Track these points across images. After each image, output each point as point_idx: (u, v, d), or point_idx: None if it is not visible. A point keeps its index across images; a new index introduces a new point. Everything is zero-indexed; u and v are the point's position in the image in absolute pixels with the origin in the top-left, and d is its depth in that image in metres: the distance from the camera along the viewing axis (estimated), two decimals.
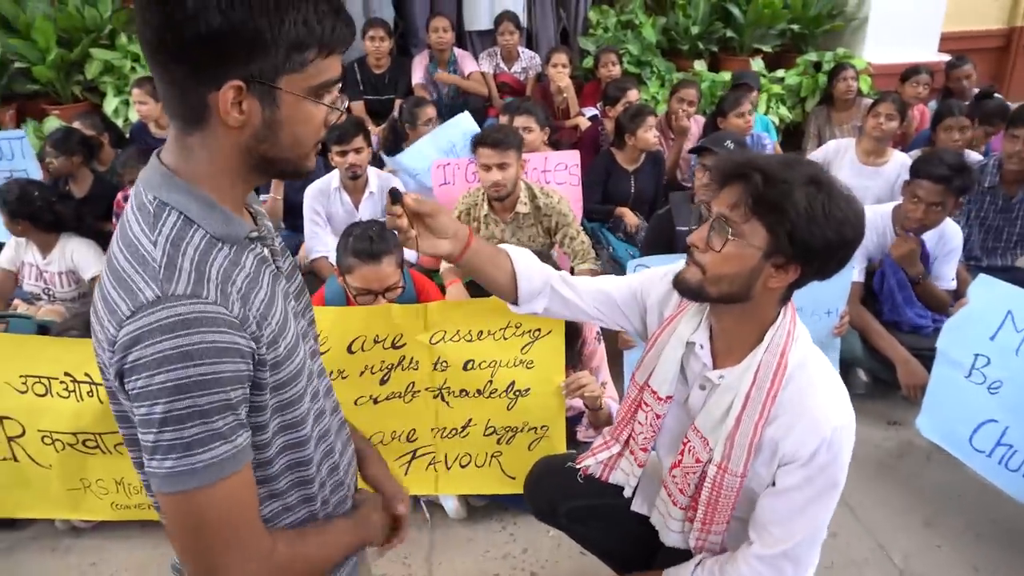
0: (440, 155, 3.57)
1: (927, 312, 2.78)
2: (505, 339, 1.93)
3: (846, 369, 2.84)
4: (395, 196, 1.23)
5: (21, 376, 1.94)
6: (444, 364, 1.93)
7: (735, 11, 4.99)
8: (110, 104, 4.30)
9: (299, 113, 0.89)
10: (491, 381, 1.95)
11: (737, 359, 1.29)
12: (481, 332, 1.91)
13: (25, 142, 3.13)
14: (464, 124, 3.89)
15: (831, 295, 2.59)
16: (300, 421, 1.01)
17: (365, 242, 2.06)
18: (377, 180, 3.34)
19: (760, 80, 4.60)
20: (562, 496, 1.70)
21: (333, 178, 3.28)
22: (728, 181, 1.21)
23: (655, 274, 1.51)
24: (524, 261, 1.45)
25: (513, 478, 2.07)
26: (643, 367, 1.44)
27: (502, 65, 4.84)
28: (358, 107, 4.54)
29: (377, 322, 1.87)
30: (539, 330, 1.92)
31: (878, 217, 2.80)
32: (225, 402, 0.85)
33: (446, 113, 4.39)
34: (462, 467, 2.06)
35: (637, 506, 1.60)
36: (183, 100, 0.86)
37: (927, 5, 5.01)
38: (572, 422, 2.23)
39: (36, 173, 3.11)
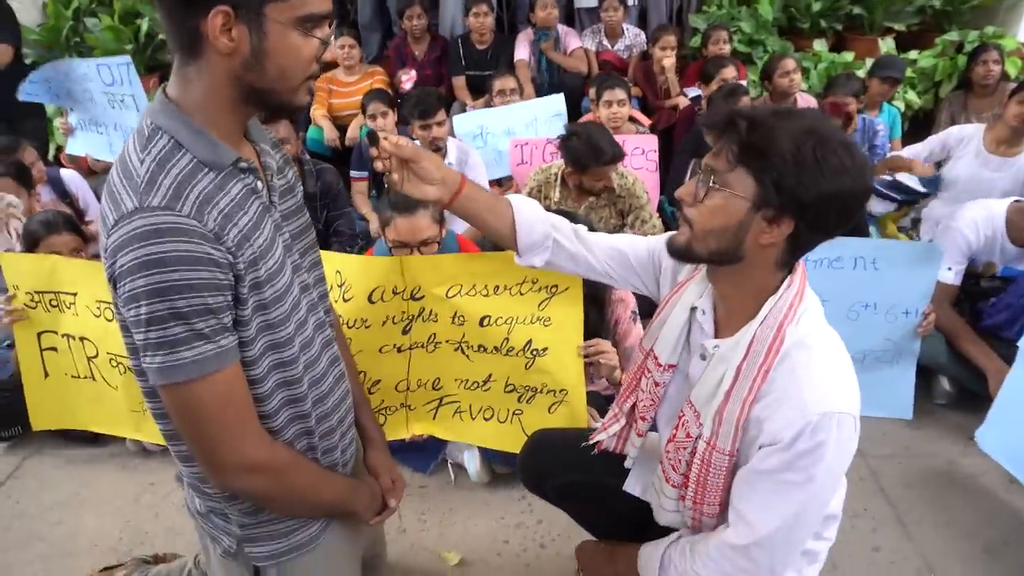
0: (520, 128, 3.58)
1: None
2: (521, 295, 1.91)
3: (928, 376, 2.58)
4: (372, 138, 1.24)
5: (97, 301, 2.17)
6: (461, 318, 1.95)
7: None
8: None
9: (285, 43, 0.96)
10: (508, 339, 1.94)
11: (735, 329, 1.21)
12: (497, 287, 1.91)
13: (131, 68, 3.29)
14: (554, 105, 3.87)
15: (909, 294, 2.36)
16: (287, 342, 1.09)
17: (401, 195, 2.12)
18: (456, 151, 3.40)
19: (902, 69, 4.12)
20: (552, 471, 1.68)
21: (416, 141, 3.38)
22: (717, 133, 1.13)
23: None
24: (526, 211, 1.42)
25: None
26: (650, 332, 1.38)
27: (605, 42, 4.75)
28: (459, 82, 4.62)
29: (394, 272, 1.92)
30: (556, 286, 1.89)
31: (989, 215, 2.49)
32: (204, 306, 0.94)
33: (546, 90, 4.40)
34: (486, 420, 2.08)
35: (630, 486, 1.55)
36: (179, 30, 0.96)
37: None
38: (609, 400, 2.19)
39: (142, 98, 3.30)
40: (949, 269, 2.48)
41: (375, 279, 1.93)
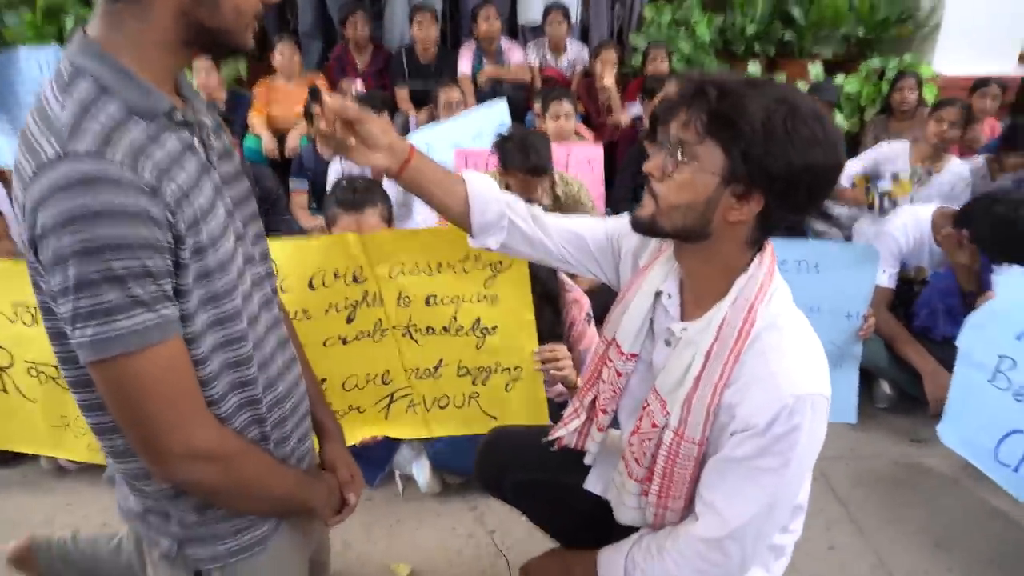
0: (466, 140, 3.54)
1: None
2: (465, 272, 1.84)
3: (869, 381, 2.65)
4: (314, 95, 1.15)
5: (13, 304, 1.99)
6: (407, 299, 1.87)
7: (796, 12, 4.79)
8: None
9: None
10: (455, 318, 1.87)
11: (704, 311, 1.16)
12: (440, 264, 1.83)
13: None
14: (498, 114, 3.85)
15: (851, 296, 2.41)
16: (233, 316, 0.97)
17: (348, 192, 2.05)
18: None
19: (836, 94, 4.32)
20: (510, 468, 1.61)
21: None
22: (685, 102, 1.08)
23: None
24: (480, 188, 1.34)
25: (495, 417, 1.99)
26: (611, 321, 1.33)
27: (549, 58, 4.79)
28: (402, 93, 4.56)
29: (334, 254, 1.83)
30: (500, 263, 1.82)
31: (916, 220, 2.60)
32: (143, 268, 0.83)
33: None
34: (441, 408, 1.99)
35: (591, 484, 1.50)
36: None
37: (1006, 15, 4.68)
38: (563, 406, 2.14)
39: None
40: (883, 272, 2.56)
41: (314, 263, 1.82)
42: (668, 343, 1.23)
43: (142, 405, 0.89)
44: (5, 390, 2.09)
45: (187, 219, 0.88)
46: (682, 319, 1.22)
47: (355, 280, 1.86)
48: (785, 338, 1.13)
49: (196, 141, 0.95)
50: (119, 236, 0.80)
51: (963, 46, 4.69)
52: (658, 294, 1.25)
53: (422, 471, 2.18)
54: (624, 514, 1.32)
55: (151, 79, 0.88)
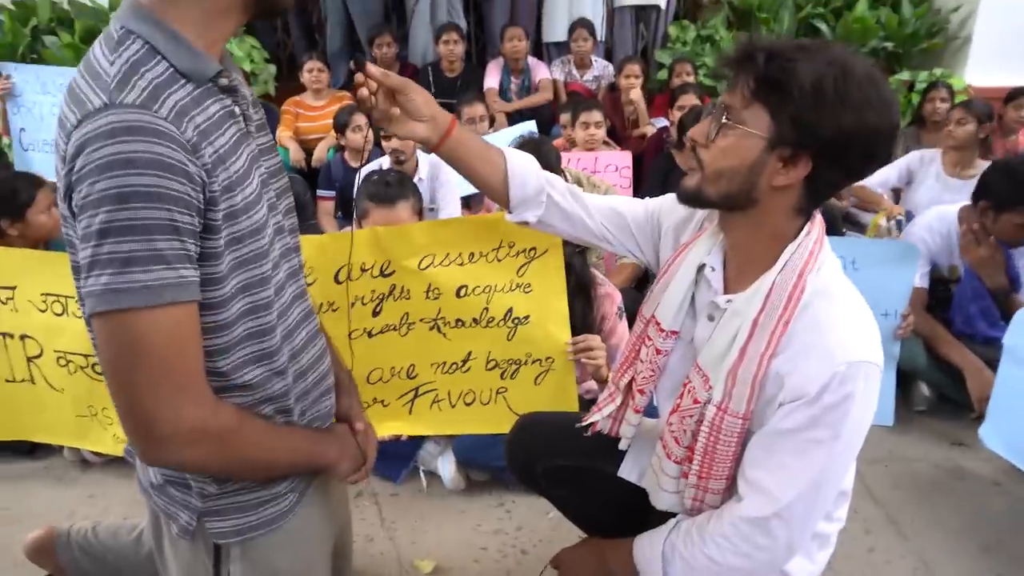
0: None
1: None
2: (499, 260, 1.81)
3: (907, 382, 2.56)
4: (358, 63, 1.14)
5: (43, 295, 2.01)
6: (436, 292, 1.84)
7: (823, 27, 4.78)
8: None
9: None
10: (487, 308, 1.84)
11: (749, 284, 1.12)
12: (472, 254, 1.81)
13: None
14: (527, 132, 3.87)
15: (889, 294, 2.35)
16: (261, 282, 0.96)
17: (381, 186, 2.05)
18: (428, 167, 3.35)
19: None
20: (542, 453, 1.55)
21: (384, 162, 3.32)
22: (734, 68, 1.06)
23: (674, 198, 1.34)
24: (519, 163, 1.32)
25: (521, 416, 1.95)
26: (651, 298, 1.29)
27: (574, 73, 4.82)
28: None
29: (362, 247, 1.82)
30: (534, 249, 1.80)
31: (941, 219, 2.54)
32: (170, 222, 0.81)
33: (516, 119, 4.42)
34: (467, 405, 1.95)
35: (626, 471, 1.44)
36: None
37: None
38: (592, 404, 2.10)
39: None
40: (915, 271, 2.48)
41: (341, 256, 1.82)
42: (711, 318, 1.19)
43: (136, 370, 0.84)
44: (33, 381, 2.11)
45: (222, 182, 0.87)
46: (725, 293, 1.18)
47: (382, 274, 1.86)
48: (837, 305, 1.08)
49: (237, 109, 0.95)
50: (153, 185, 0.79)
51: (994, 57, 4.63)
52: (701, 268, 1.21)
53: (447, 467, 2.14)
54: (661, 499, 1.27)
55: (201, 45, 0.89)
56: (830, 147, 1.00)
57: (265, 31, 5.12)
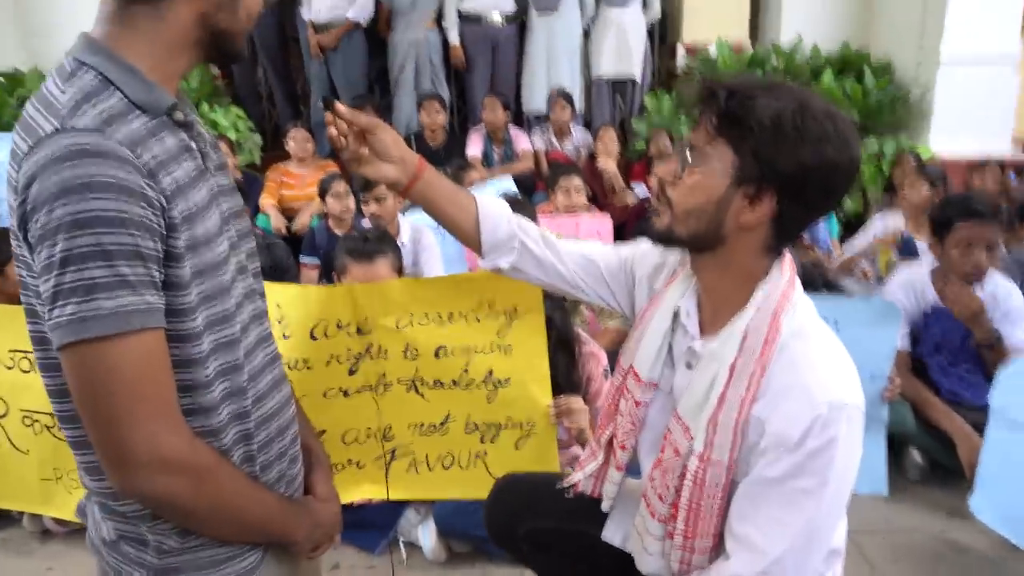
0: None
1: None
2: (478, 321, 1.79)
3: (898, 449, 2.52)
4: (326, 102, 1.15)
5: (10, 351, 1.94)
6: (414, 352, 1.80)
7: None
8: None
9: None
10: (466, 370, 1.81)
11: (724, 325, 1.11)
12: (451, 314, 1.79)
13: None
14: (505, 190, 3.91)
15: (874, 356, 2.34)
16: (225, 319, 0.93)
17: (359, 242, 2.04)
18: (410, 231, 3.35)
19: None
20: (524, 515, 1.50)
21: (366, 226, 3.32)
22: (696, 105, 1.08)
23: (648, 245, 1.35)
24: (491, 207, 1.32)
25: None
26: (628, 349, 1.27)
27: (554, 141, 4.92)
28: None
29: (338, 304, 1.78)
30: (515, 309, 1.78)
31: (912, 280, 2.57)
32: (133, 248, 0.80)
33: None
34: (445, 468, 1.89)
35: (609, 535, 1.39)
36: None
37: (996, 94, 4.83)
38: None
39: None
40: (898, 333, 2.49)
41: (317, 312, 1.78)
42: (689, 366, 1.17)
43: (111, 398, 0.81)
44: None
45: (182, 211, 0.86)
46: (702, 337, 1.17)
47: (359, 332, 1.82)
48: (814, 346, 1.07)
49: (194, 144, 0.94)
50: (113, 210, 0.78)
51: (956, 127, 4.81)
52: (676, 315, 1.20)
53: (428, 537, 2.05)
54: (646, 564, 1.22)
55: (155, 78, 0.88)
56: (791, 182, 1.01)
57: (250, 101, 5.20)
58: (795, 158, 0.99)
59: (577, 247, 1.39)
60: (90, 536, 1.03)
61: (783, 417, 1.03)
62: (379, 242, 2.06)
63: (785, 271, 1.11)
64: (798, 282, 1.13)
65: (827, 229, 3.93)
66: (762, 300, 1.08)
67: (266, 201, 4.24)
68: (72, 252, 0.77)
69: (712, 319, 1.16)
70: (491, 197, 1.36)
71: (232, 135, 4.60)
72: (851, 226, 4.70)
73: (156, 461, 0.84)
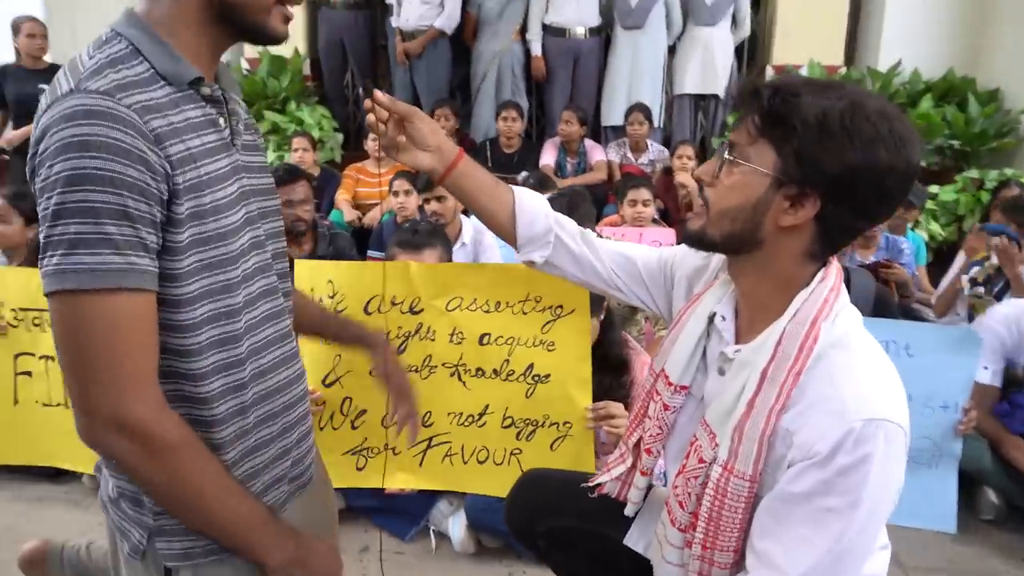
0: None
1: None
2: (524, 314, 1.78)
3: (972, 487, 2.33)
4: (366, 89, 1.17)
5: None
6: (460, 336, 1.81)
7: None
8: (268, 157, 4.80)
9: None
10: (508, 360, 1.80)
11: (760, 332, 1.05)
12: (499, 303, 1.79)
13: None
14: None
15: (947, 385, 2.18)
16: (226, 289, 0.94)
17: (409, 233, 2.07)
18: (472, 231, 3.37)
19: (926, 197, 4.22)
20: (545, 512, 1.46)
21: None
22: (742, 107, 1.03)
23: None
24: (528, 201, 1.30)
25: None
26: (662, 352, 1.22)
27: (629, 155, 4.87)
28: None
29: (394, 280, 1.81)
30: (561, 307, 1.76)
31: (1016, 311, 2.37)
32: (121, 207, 0.81)
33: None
34: (479, 463, 1.88)
35: (632, 540, 1.33)
36: None
37: None
38: None
39: None
40: (985, 368, 2.31)
41: (373, 287, 1.82)
42: (722, 372, 1.11)
43: (83, 352, 0.83)
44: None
45: (188, 179, 0.87)
46: (736, 343, 1.10)
47: (411, 311, 1.85)
48: (855, 358, 0.99)
49: (222, 120, 0.96)
50: (105, 169, 0.80)
51: None
52: (712, 319, 1.14)
53: (458, 528, 2.03)
54: (665, 573, 1.15)
55: (185, 53, 0.91)
56: (837, 185, 0.94)
57: (337, 102, 5.39)
58: (842, 159, 0.92)
59: (616, 246, 1.36)
60: (100, 494, 1.06)
61: (813, 429, 0.95)
62: (429, 235, 2.08)
63: (830, 279, 1.03)
64: (844, 292, 1.06)
65: (912, 254, 3.69)
66: (800, 306, 1.01)
67: (341, 196, 4.38)
68: (63, 207, 0.80)
69: (749, 326, 1.09)
70: (529, 191, 1.34)
71: (316, 133, 4.79)
72: (942, 254, 4.44)
73: (115, 420, 0.84)
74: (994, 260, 3.01)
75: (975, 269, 3.15)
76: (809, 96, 0.94)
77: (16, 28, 4.42)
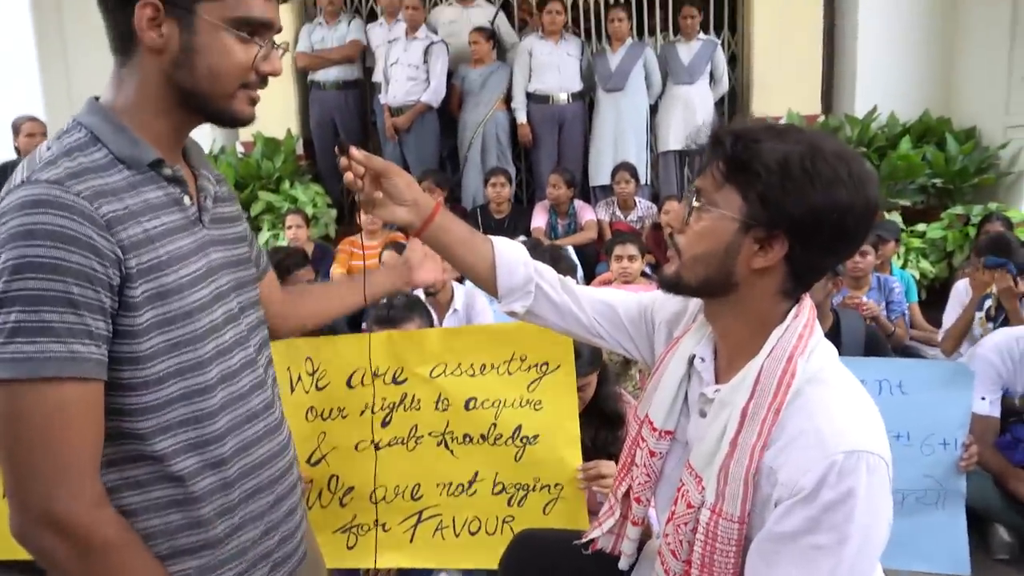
0: None
1: None
2: (510, 374, 1.78)
3: (982, 525, 2.27)
4: (341, 147, 1.16)
5: None
6: (446, 403, 1.80)
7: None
8: (262, 237, 4.89)
9: (215, 42, 0.92)
10: (495, 424, 1.78)
11: (738, 372, 1.06)
12: (484, 365, 1.78)
13: None
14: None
15: (945, 421, 2.14)
16: (195, 367, 0.94)
17: (385, 309, 2.08)
18: (463, 297, 3.40)
19: (899, 230, 4.28)
20: (541, 573, 1.43)
21: (419, 290, 3.39)
22: (704, 152, 1.07)
23: None
24: (507, 251, 1.31)
25: None
26: (644, 397, 1.23)
27: (618, 213, 4.95)
28: None
29: (376, 351, 1.81)
30: (546, 364, 1.76)
31: (1013, 340, 2.37)
32: (64, 295, 0.80)
33: None
34: (471, 534, 1.83)
35: None
36: (114, 28, 0.94)
37: None
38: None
39: None
40: (983, 399, 2.29)
41: (354, 360, 1.82)
42: (703, 414, 1.12)
43: (17, 442, 0.81)
44: None
45: (145, 262, 0.87)
46: (716, 384, 1.11)
47: (395, 381, 1.84)
48: (832, 392, 1.00)
49: (187, 198, 0.98)
50: (48, 256, 0.80)
51: None
52: (692, 361, 1.15)
53: None
54: None
55: (145, 136, 0.93)
56: (802, 226, 0.97)
57: (330, 179, 5.53)
58: (805, 201, 0.96)
59: (597, 294, 1.37)
60: None
61: (795, 465, 0.95)
62: (405, 309, 2.10)
63: (802, 315, 1.06)
64: (818, 327, 1.08)
65: (903, 292, 3.70)
66: (776, 343, 1.03)
67: (336, 270, 4.44)
68: (6, 295, 0.79)
69: (728, 366, 1.11)
70: (508, 241, 1.36)
71: (310, 209, 4.89)
72: (934, 291, 4.45)
73: (44, 517, 0.82)
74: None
75: (988, 303, 3.14)
76: (769, 141, 0.98)
77: (16, 128, 4.57)
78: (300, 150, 5.45)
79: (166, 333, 0.90)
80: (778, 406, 0.99)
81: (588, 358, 1.88)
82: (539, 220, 4.88)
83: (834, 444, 0.93)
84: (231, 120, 0.99)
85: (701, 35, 5.26)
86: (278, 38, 1.00)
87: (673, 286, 1.10)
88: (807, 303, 1.08)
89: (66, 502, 0.82)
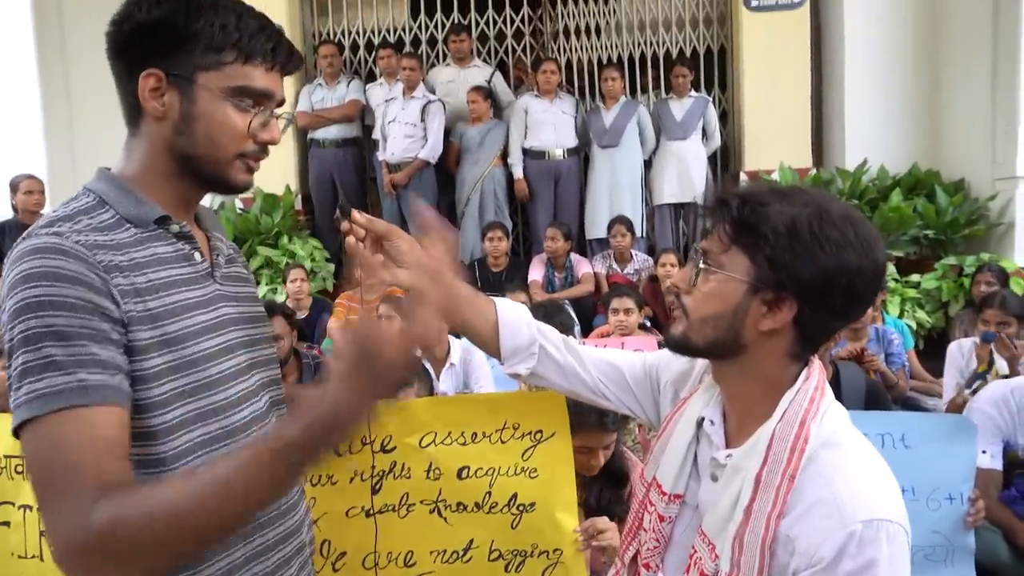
0: None
1: None
2: (503, 442, 1.74)
3: None
4: (343, 210, 1.15)
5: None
6: (437, 472, 1.76)
7: None
8: (260, 291, 4.90)
9: (215, 111, 0.94)
10: (490, 492, 1.74)
11: (749, 436, 1.04)
12: (475, 434, 1.75)
13: None
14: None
15: (949, 475, 2.12)
16: (209, 414, 0.94)
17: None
18: (460, 352, 3.39)
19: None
20: None
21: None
22: (709, 214, 1.07)
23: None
24: (511, 312, 1.28)
25: None
26: (652, 460, 1.20)
27: (615, 266, 4.98)
28: None
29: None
30: (540, 432, 1.72)
31: (1010, 391, 2.36)
32: (63, 328, 0.81)
33: None
34: None
35: None
36: (124, 97, 0.97)
37: None
38: None
39: None
40: (984, 452, 2.27)
41: None
42: (715, 478, 1.10)
43: (39, 477, 0.80)
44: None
45: (151, 308, 0.89)
46: (727, 448, 1.10)
47: (383, 449, 1.82)
48: (846, 456, 0.98)
49: (197, 254, 1.00)
50: (44, 295, 0.81)
51: None
52: (700, 424, 1.14)
53: None
54: None
55: (151, 198, 0.96)
56: (811, 288, 0.97)
57: (329, 234, 5.58)
58: (814, 264, 0.96)
59: (601, 354, 1.35)
60: None
61: (814, 534, 0.93)
62: None
63: (813, 377, 1.04)
64: (829, 390, 1.06)
65: (902, 344, 3.71)
66: (787, 407, 1.01)
67: (332, 325, 4.43)
68: (12, 341, 0.81)
69: (738, 429, 1.09)
70: (510, 302, 1.35)
71: (308, 264, 4.92)
72: (932, 340, 4.46)
73: (69, 554, 0.78)
74: (1002, 366, 3.00)
75: (977, 383, 3.13)
76: (776, 204, 0.99)
77: (14, 187, 4.63)
78: (299, 205, 5.52)
79: (175, 380, 0.91)
80: (792, 472, 0.97)
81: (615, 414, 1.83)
82: (536, 273, 4.91)
83: (853, 512, 0.91)
84: (227, 187, 1.01)
85: (692, 93, 5.39)
86: (282, 109, 1.02)
87: (680, 347, 1.09)
88: (816, 364, 1.07)
89: (71, 528, 0.78)
